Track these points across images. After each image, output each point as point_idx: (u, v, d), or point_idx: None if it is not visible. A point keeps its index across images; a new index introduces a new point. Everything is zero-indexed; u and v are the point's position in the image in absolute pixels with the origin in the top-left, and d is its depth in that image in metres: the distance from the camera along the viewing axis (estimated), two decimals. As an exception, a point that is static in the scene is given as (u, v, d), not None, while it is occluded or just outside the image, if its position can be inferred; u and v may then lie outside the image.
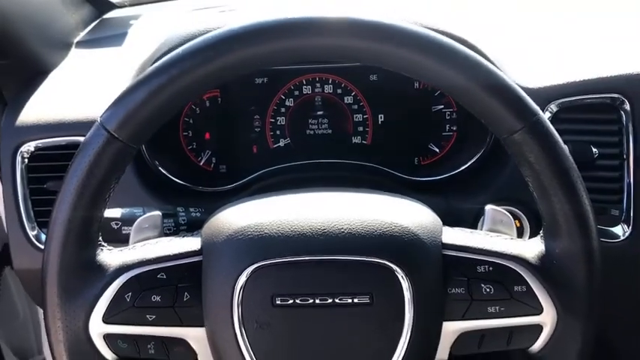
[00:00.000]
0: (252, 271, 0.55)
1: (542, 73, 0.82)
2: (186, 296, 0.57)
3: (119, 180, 0.57)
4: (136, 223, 0.63)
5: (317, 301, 0.55)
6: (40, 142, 0.83)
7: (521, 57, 0.86)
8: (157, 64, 0.54)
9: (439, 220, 0.61)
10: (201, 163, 0.91)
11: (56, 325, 0.56)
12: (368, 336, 0.56)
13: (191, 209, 0.77)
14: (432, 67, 0.54)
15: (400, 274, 0.55)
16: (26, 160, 0.83)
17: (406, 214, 0.59)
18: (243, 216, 0.59)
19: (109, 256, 0.58)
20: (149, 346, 0.58)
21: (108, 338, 0.57)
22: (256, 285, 0.55)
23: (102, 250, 0.58)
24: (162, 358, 0.58)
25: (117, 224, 0.71)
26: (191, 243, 0.59)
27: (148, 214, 0.64)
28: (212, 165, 0.91)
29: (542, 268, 0.57)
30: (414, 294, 0.55)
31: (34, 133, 0.83)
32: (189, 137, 0.90)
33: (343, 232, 0.56)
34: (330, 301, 0.55)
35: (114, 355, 0.58)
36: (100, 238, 0.59)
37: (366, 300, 0.55)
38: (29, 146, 0.83)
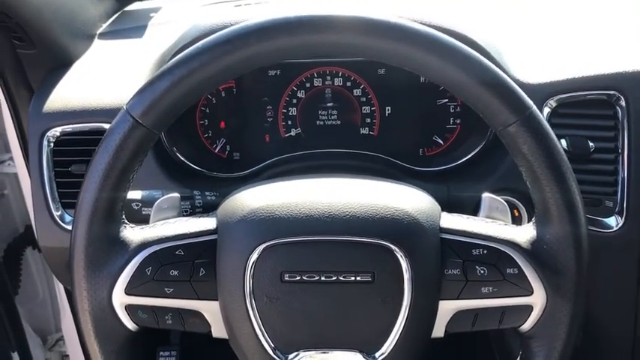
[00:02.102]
0: (263, 250, 0.59)
1: (542, 70, 0.86)
2: (202, 271, 0.62)
3: (142, 163, 0.62)
4: (156, 203, 0.68)
5: (322, 278, 0.59)
6: (65, 128, 0.87)
7: (522, 53, 0.89)
8: (179, 57, 0.58)
9: (438, 205, 0.65)
10: (216, 151, 0.95)
11: (82, 295, 0.61)
12: (369, 312, 0.60)
13: (207, 193, 0.81)
14: (431, 63, 0.57)
15: (400, 254, 0.59)
16: (52, 145, 0.87)
17: (407, 199, 0.63)
18: (255, 198, 0.63)
19: (132, 233, 0.63)
20: (167, 317, 0.63)
21: (129, 308, 0.62)
22: (266, 262, 0.60)
23: (125, 227, 0.63)
24: (178, 329, 0.63)
25: (137, 205, 0.76)
26: (207, 222, 0.64)
27: (167, 196, 0.68)
28: (226, 152, 0.95)
29: (533, 252, 0.61)
30: (412, 274, 0.59)
31: (60, 119, 0.87)
32: (205, 126, 0.94)
33: (348, 214, 0.60)
34: (334, 278, 0.59)
35: (134, 325, 0.63)
36: (124, 217, 0.63)
37: (368, 278, 0.59)
38: (55, 131, 0.87)
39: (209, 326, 0.64)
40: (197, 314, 0.63)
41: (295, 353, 0.61)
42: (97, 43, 1.04)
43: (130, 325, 0.62)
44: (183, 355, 1.24)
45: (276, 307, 0.60)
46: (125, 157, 0.59)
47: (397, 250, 0.59)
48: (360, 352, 0.61)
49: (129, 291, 0.61)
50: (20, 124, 1.00)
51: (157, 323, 0.63)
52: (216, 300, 0.62)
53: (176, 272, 0.61)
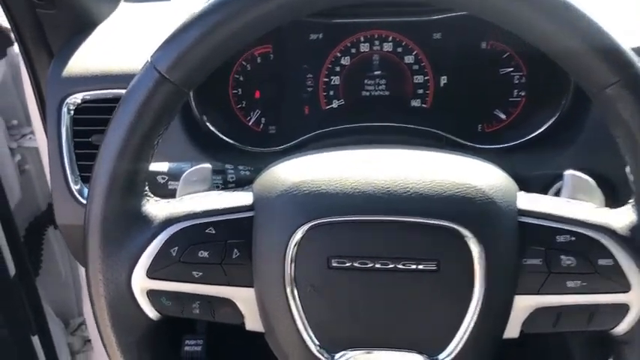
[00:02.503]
0: (308, 230, 0.51)
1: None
2: (236, 253, 0.53)
3: (168, 127, 0.53)
4: (184, 175, 0.59)
5: (377, 265, 0.50)
6: (85, 94, 0.80)
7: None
8: (213, 1, 0.49)
9: (514, 183, 0.55)
10: (250, 123, 0.86)
11: (97, 277, 0.53)
12: (431, 307, 0.51)
13: (240, 167, 0.73)
14: (520, 14, 0.48)
15: (471, 240, 0.50)
16: (72, 112, 0.81)
17: (479, 174, 0.53)
18: (299, 171, 0.54)
19: (156, 207, 0.55)
20: (194, 305, 0.54)
21: (151, 294, 0.54)
22: (311, 245, 0.51)
23: (148, 200, 0.55)
24: (207, 319, 0.55)
25: (163, 178, 0.67)
26: (242, 197, 0.55)
27: (197, 166, 0.60)
28: (261, 125, 0.87)
29: (633, 240, 0.51)
30: (485, 262, 0.50)
31: (81, 84, 0.80)
32: (238, 95, 0.86)
33: (409, 191, 0.51)
34: (391, 266, 0.50)
35: (156, 313, 0.55)
36: (147, 189, 0.55)
37: (432, 267, 0.50)
38: (75, 98, 0.81)
39: (242, 317, 0.55)
40: (229, 303, 0.55)
41: (343, 353, 0.52)
42: (123, 6, 0.98)
43: (152, 313, 0.54)
44: (211, 346, 1.16)
45: (322, 298, 0.51)
46: (149, 118, 0.51)
47: (468, 234, 0.50)
48: (420, 353, 0.52)
49: (151, 274, 0.53)
50: (40, 92, 0.94)
51: (182, 312, 0.55)
52: (251, 287, 0.54)
53: (206, 253, 0.53)
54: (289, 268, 0.51)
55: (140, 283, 0.53)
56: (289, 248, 0.51)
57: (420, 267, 0.50)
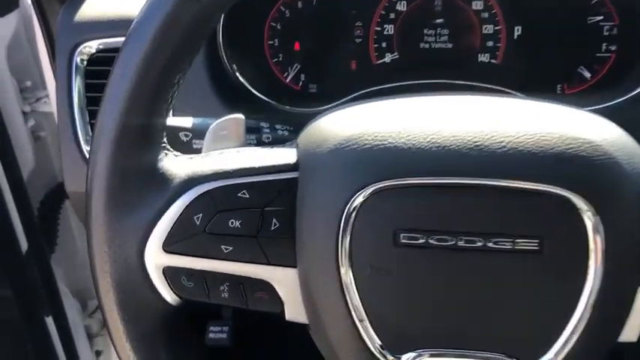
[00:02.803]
0: (370, 195, 0.39)
1: None
2: (275, 224, 0.42)
3: (190, 64, 0.42)
4: (211, 126, 0.48)
5: (460, 243, 0.39)
6: (101, 43, 0.71)
7: None
8: None
9: (636, 142, 0.42)
10: (287, 80, 0.75)
11: (101, 250, 0.42)
12: (530, 298, 0.39)
13: (277, 126, 0.61)
14: None
15: (587, 212, 0.38)
16: (85, 63, 0.71)
17: (595, 128, 0.41)
18: (359, 120, 0.42)
19: (176, 163, 0.44)
20: (222, 287, 0.43)
21: (168, 272, 0.43)
22: (374, 214, 0.40)
23: (166, 155, 0.44)
24: (237, 305, 0.44)
25: (186, 135, 0.56)
26: (284, 154, 0.44)
27: (228, 117, 0.48)
28: (300, 83, 0.76)
29: None
30: (603, 242, 0.38)
31: (95, 31, 0.71)
32: (274, 47, 0.75)
33: (505, 146, 0.39)
34: (479, 244, 0.39)
35: (175, 297, 0.44)
36: (165, 140, 0.44)
37: (532, 246, 0.38)
38: (89, 47, 0.72)
39: (281, 305, 0.44)
40: (265, 286, 0.44)
41: (412, 354, 0.41)
42: None
43: (170, 296, 0.44)
44: (237, 333, 1.05)
45: (385, 284, 0.40)
46: (170, 45, 0.40)
47: (582, 204, 0.38)
48: (512, 357, 0.40)
49: (169, 247, 0.42)
50: (53, 46, 0.83)
51: (207, 296, 0.44)
52: (294, 267, 0.43)
53: (238, 223, 0.42)
54: (344, 244, 0.40)
55: (155, 257, 0.42)
56: (344, 218, 0.40)
57: (518, 246, 0.38)
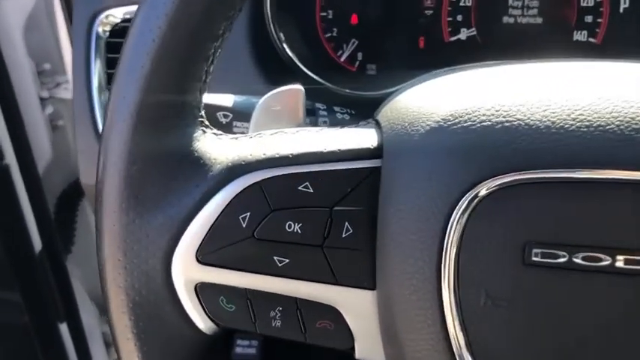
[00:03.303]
0: (490, 192, 0.28)
1: None
2: (348, 229, 0.31)
3: (230, 31, 0.33)
4: (261, 101, 0.37)
5: (619, 263, 0.27)
6: (126, 12, 0.61)
7: None
8: None
9: None
10: (342, 59, 0.64)
11: (114, 260, 0.32)
12: None
13: (336, 109, 0.50)
14: None
15: None
16: (107, 34, 0.61)
17: None
18: (465, 92, 0.31)
19: (217, 144, 0.33)
20: (273, 313, 0.33)
21: (203, 291, 0.32)
22: (493, 219, 0.28)
23: (204, 133, 0.33)
24: (294, 339, 0.33)
25: (226, 116, 0.45)
26: (361, 136, 0.33)
27: (283, 88, 0.37)
28: (357, 63, 0.65)
29: None
30: None
31: None
32: (328, 20, 0.65)
33: None
34: None
35: (210, 324, 0.33)
36: (202, 115, 0.33)
37: None
38: (112, 16, 0.62)
39: (350, 339, 0.33)
40: (331, 313, 0.33)
41: None
42: None
43: (203, 323, 0.33)
44: (266, 349, 0.95)
45: (506, 319, 0.29)
46: (199, 7, 0.29)
47: None
48: None
49: (204, 257, 0.32)
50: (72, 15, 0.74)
51: (253, 324, 0.33)
52: (372, 289, 0.32)
53: (297, 227, 0.31)
54: (448, 261, 0.28)
55: (186, 271, 0.32)
56: (451, 224, 0.28)
57: None
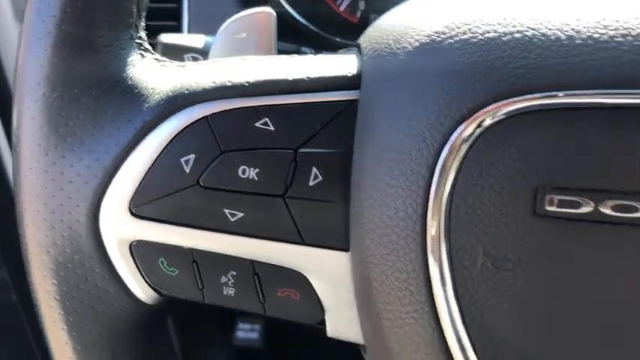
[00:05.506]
0: (492, 123, 0.21)
1: None
2: (316, 176, 0.25)
3: None
4: (222, 27, 0.31)
5: None
6: None
7: None
8: None
9: None
10: (342, 9, 0.57)
11: (33, 212, 0.26)
12: None
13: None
14: None
15: None
16: None
17: None
18: (464, 2, 0.25)
19: (157, 72, 0.27)
20: (225, 279, 0.27)
21: (139, 251, 0.27)
22: (497, 156, 0.22)
23: (142, 58, 0.27)
24: (248, 310, 0.27)
25: (195, 58, 0.39)
26: (336, 63, 0.26)
27: (248, 11, 0.31)
28: (358, 13, 0.57)
29: None
30: None
31: None
32: None
33: None
34: None
35: (149, 291, 0.27)
36: (141, 34, 0.27)
37: None
38: None
39: (320, 311, 0.27)
40: (295, 279, 0.27)
41: None
42: None
43: (141, 290, 0.27)
44: (270, 332, 0.89)
45: (509, 285, 0.23)
46: None
47: None
48: None
49: (139, 208, 0.26)
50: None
51: (200, 291, 0.27)
52: (345, 250, 0.26)
53: (254, 172, 0.25)
54: (438, 212, 0.22)
55: (117, 225, 0.26)
56: (442, 164, 0.22)
57: None
